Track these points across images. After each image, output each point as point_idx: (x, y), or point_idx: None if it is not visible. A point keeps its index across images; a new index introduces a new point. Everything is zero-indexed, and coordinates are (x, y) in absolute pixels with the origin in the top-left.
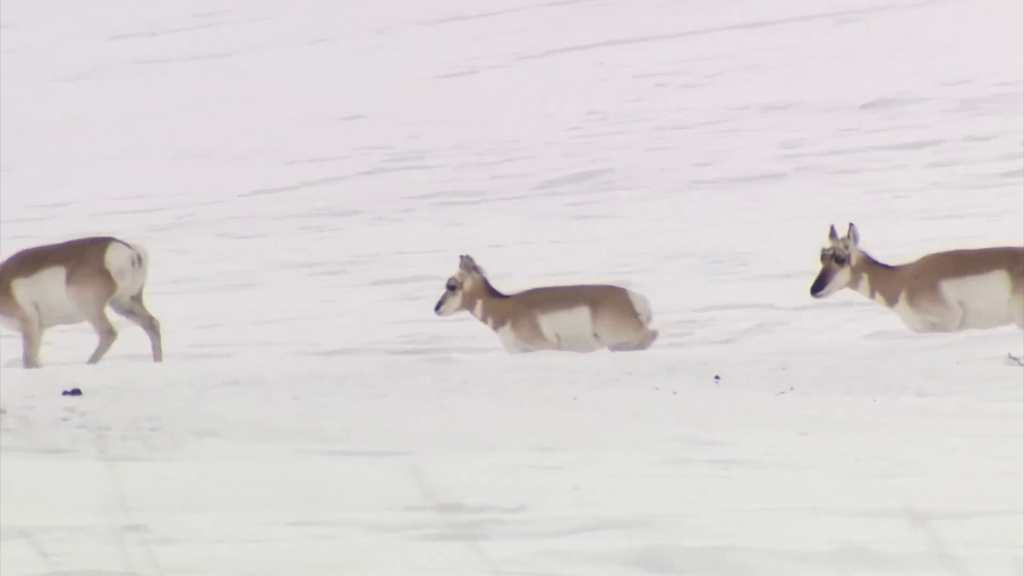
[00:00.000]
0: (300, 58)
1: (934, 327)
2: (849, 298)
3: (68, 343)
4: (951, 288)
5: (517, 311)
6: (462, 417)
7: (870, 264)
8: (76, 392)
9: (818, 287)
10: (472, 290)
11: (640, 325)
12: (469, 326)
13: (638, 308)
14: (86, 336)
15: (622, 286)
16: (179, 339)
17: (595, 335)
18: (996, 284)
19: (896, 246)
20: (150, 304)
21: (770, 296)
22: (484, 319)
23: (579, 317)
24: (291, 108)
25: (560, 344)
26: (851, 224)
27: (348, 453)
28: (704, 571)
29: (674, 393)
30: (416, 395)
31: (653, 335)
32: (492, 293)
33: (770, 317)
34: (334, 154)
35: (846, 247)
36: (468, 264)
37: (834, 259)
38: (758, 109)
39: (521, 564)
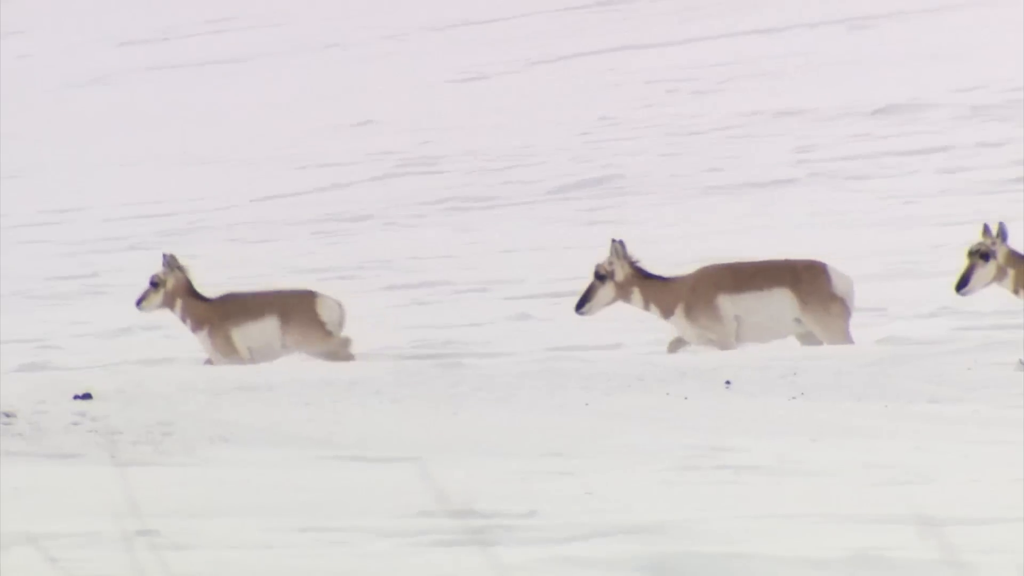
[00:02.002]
0: (311, 64)
1: (711, 341)
2: (859, 304)
3: (79, 348)
4: (727, 302)
5: (213, 320)
6: (474, 423)
7: (642, 278)
8: (87, 396)
9: (580, 304)
10: (173, 289)
11: (327, 334)
12: (481, 331)
13: (324, 316)
14: (97, 341)
15: (311, 291)
16: (190, 344)
17: (283, 346)
18: (778, 300)
19: (907, 252)
20: None
21: None
22: (184, 320)
23: (268, 328)
24: (302, 114)
25: (253, 357)
26: (614, 240)
27: (360, 459)
28: None
29: (685, 399)
30: (427, 401)
31: (344, 343)
32: (193, 295)
33: None
34: (345, 159)
35: (611, 264)
36: (171, 263)
37: (596, 276)
38: (770, 115)
39: (532, 570)
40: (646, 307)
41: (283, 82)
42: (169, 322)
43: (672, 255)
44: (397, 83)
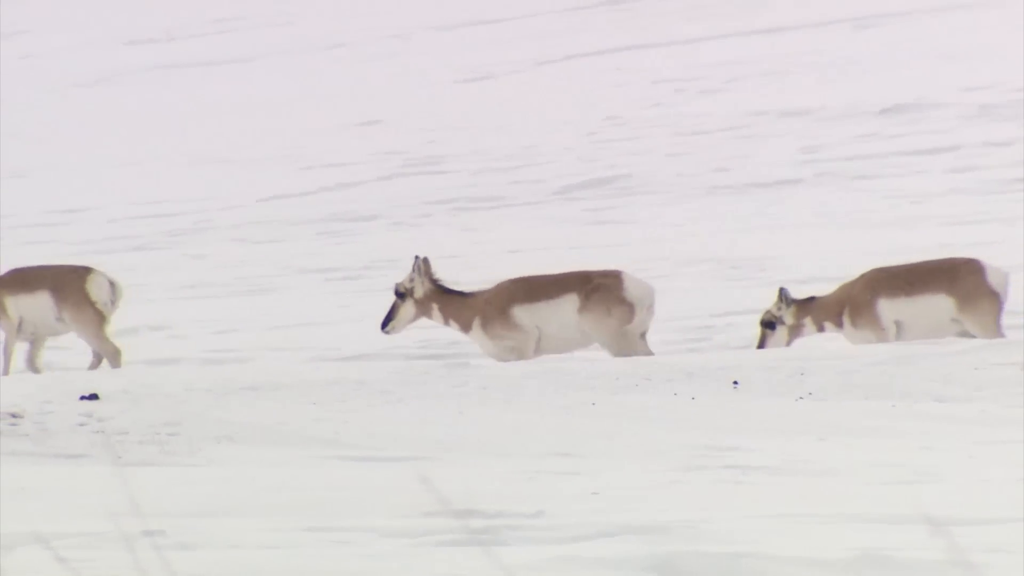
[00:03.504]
0: (317, 63)
1: (512, 352)
2: None
3: (85, 348)
4: (523, 313)
5: None
6: (479, 423)
7: (441, 294)
8: (93, 397)
9: (384, 323)
10: None
11: (98, 313)
12: None
13: (94, 294)
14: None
15: (86, 267)
16: (196, 344)
17: (58, 319)
18: (566, 308)
19: (915, 252)
20: None
21: None
22: None
23: (40, 301)
24: (308, 113)
25: (36, 329)
26: (416, 257)
27: (365, 459)
28: None
29: (692, 399)
30: (433, 401)
31: (110, 348)
32: None
33: None
34: (351, 159)
35: (411, 281)
36: None
37: (396, 294)
38: (776, 115)
39: (538, 570)
40: (446, 323)
41: (289, 82)
42: (175, 322)
43: (678, 255)
44: (403, 83)
